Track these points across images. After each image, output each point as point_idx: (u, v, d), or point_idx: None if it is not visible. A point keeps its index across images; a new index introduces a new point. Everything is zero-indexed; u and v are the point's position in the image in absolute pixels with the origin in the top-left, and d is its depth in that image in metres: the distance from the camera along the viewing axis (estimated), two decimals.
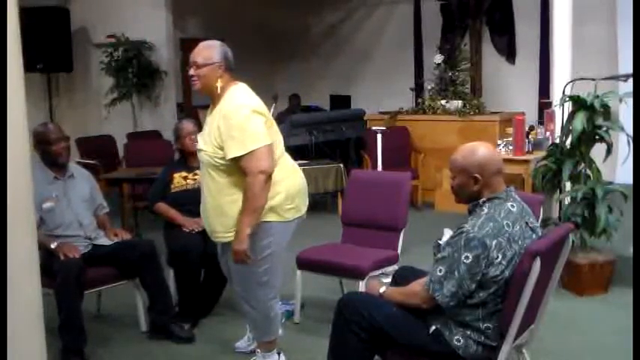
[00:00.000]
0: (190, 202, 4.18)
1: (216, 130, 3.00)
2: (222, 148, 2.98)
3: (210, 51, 3.07)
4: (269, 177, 2.94)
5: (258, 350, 3.36)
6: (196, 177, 4.25)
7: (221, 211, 3.07)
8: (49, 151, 3.76)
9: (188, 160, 4.35)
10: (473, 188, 2.58)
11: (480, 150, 2.59)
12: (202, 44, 3.12)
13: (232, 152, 2.93)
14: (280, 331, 3.49)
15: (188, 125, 4.36)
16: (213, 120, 3.07)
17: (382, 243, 4.05)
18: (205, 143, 3.08)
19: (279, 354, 3.37)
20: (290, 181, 3.14)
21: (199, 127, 4.39)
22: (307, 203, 3.27)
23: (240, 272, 3.15)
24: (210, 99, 3.14)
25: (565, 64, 5.33)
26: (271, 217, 3.06)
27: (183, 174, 4.31)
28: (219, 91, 3.06)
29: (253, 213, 2.94)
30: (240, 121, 2.94)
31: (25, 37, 2.54)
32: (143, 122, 8.65)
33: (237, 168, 2.98)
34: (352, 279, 3.90)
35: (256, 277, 3.13)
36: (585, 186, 4.42)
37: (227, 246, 3.14)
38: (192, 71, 3.07)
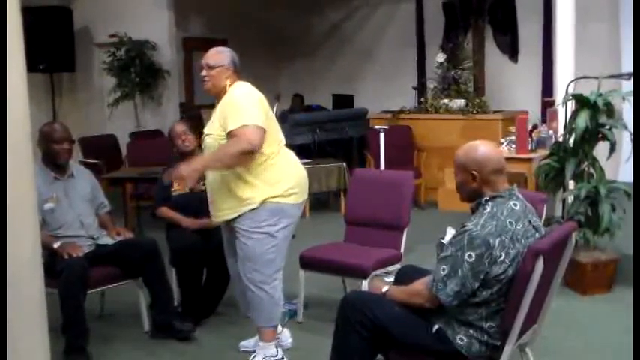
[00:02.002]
0: (192, 204, 4.19)
1: (220, 114, 3.29)
2: (225, 130, 3.23)
3: (220, 55, 3.40)
4: (250, 153, 3.16)
5: (260, 343, 3.41)
6: None
7: (227, 189, 3.29)
8: (51, 150, 3.76)
9: (187, 161, 4.34)
10: (472, 185, 2.59)
11: (481, 148, 2.60)
12: (213, 49, 3.44)
13: (229, 126, 3.17)
14: (289, 340, 3.63)
15: (178, 127, 4.37)
16: (217, 113, 3.34)
17: (385, 242, 4.05)
18: (210, 129, 3.35)
19: (277, 348, 3.42)
20: (293, 170, 3.39)
21: (197, 126, 4.42)
22: (307, 195, 3.48)
23: (249, 249, 3.28)
24: (216, 97, 3.41)
25: (568, 63, 5.32)
26: (279, 199, 3.28)
27: None
28: (227, 90, 3.33)
29: (216, 162, 3.23)
30: (239, 100, 3.24)
31: (27, 36, 2.54)
32: (146, 122, 8.65)
33: None
34: (355, 278, 3.90)
35: (264, 254, 3.28)
36: (588, 184, 4.42)
37: (229, 225, 3.36)
38: (204, 72, 3.39)
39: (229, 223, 3.36)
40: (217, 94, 3.37)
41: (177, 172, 3.20)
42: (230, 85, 3.33)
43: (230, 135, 3.17)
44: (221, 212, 3.35)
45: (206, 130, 3.38)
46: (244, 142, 3.12)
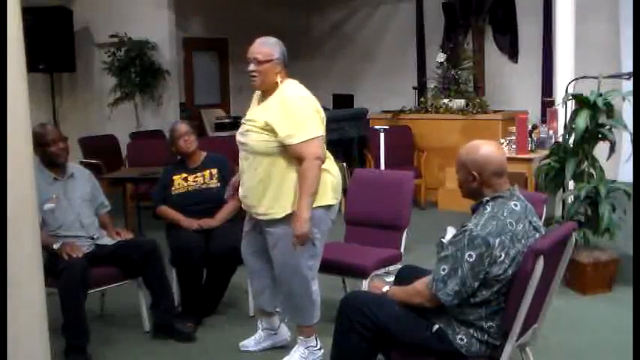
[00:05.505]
0: (192, 203, 4.20)
1: (269, 112, 3.17)
2: (273, 132, 3.13)
3: (270, 48, 3.23)
4: (322, 163, 3.14)
5: (300, 337, 3.41)
6: (197, 179, 4.27)
7: (280, 191, 3.19)
8: (47, 153, 3.77)
9: (187, 161, 4.35)
10: (472, 185, 2.59)
11: (483, 149, 2.59)
12: (260, 41, 3.26)
13: (291, 139, 3.10)
14: (288, 335, 3.62)
15: (181, 127, 4.35)
16: (266, 108, 3.21)
17: (385, 242, 4.05)
18: (253, 115, 3.24)
19: (317, 339, 3.43)
20: (333, 171, 3.33)
21: (199, 127, 4.41)
22: (340, 196, 3.42)
23: (291, 256, 3.22)
24: (262, 92, 3.30)
25: (568, 63, 5.32)
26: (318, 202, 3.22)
27: (184, 175, 4.31)
28: (278, 86, 3.22)
29: (310, 197, 3.12)
30: (299, 111, 3.14)
31: (27, 37, 2.54)
32: (146, 122, 8.65)
33: (285, 152, 3.15)
34: (355, 278, 3.90)
35: (305, 257, 3.24)
36: (588, 184, 4.42)
37: (272, 225, 3.25)
38: (252, 67, 3.21)
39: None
40: (266, 90, 3.25)
41: (301, 241, 3.14)
42: (282, 82, 3.22)
43: (291, 149, 3.12)
44: (269, 211, 3.28)
45: (249, 116, 3.28)
46: (313, 161, 3.10)
